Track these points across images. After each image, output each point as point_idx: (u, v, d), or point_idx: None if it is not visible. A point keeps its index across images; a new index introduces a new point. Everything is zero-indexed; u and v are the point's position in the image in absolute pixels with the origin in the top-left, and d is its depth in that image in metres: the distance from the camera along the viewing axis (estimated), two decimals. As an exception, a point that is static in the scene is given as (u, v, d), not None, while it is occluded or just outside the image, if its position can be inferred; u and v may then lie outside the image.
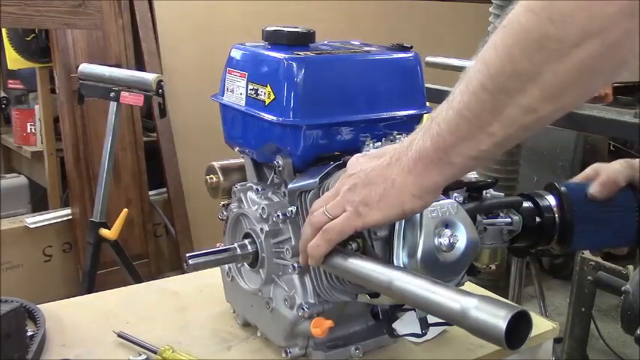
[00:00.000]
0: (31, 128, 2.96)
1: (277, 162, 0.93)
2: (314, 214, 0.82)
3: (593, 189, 0.91)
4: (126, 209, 2.21)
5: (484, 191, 0.90)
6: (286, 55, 0.91)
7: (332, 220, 0.79)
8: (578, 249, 1.00)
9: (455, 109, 0.68)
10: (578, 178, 0.96)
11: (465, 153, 0.69)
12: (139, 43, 2.80)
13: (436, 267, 0.77)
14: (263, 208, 0.94)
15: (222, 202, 1.06)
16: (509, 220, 0.91)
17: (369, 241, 0.82)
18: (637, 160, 0.94)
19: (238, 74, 0.98)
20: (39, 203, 3.04)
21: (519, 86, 0.62)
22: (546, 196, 0.93)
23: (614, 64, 0.60)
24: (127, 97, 2.10)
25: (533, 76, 0.61)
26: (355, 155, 0.84)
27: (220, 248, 0.97)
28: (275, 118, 0.91)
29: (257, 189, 0.97)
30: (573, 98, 0.64)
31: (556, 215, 0.91)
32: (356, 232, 0.81)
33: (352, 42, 1.07)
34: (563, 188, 0.92)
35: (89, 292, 2.10)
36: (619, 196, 0.92)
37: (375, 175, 0.76)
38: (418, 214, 0.77)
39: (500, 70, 0.63)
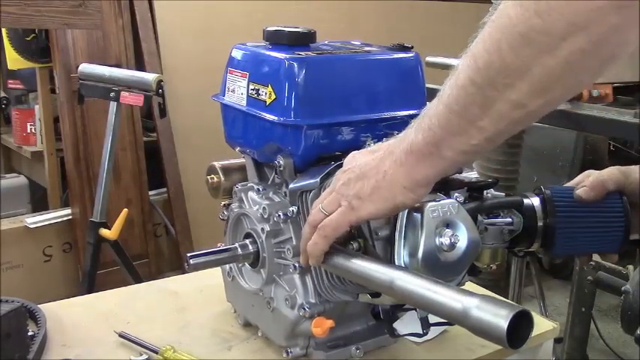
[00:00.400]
0: (31, 128, 2.96)
1: (278, 162, 0.93)
2: (312, 213, 0.82)
3: (580, 190, 0.90)
4: (126, 209, 2.21)
5: (485, 191, 0.90)
6: (287, 55, 0.91)
7: (328, 216, 0.79)
8: (561, 254, 0.98)
9: (444, 103, 0.68)
10: (569, 184, 0.95)
11: (457, 147, 0.69)
12: (139, 43, 2.80)
13: (437, 267, 0.77)
14: (264, 208, 0.94)
15: (223, 202, 1.06)
16: (509, 220, 0.91)
17: (370, 241, 0.82)
18: (630, 167, 0.93)
19: (239, 74, 0.99)
20: (39, 203, 3.03)
21: (508, 81, 0.62)
22: (531, 198, 0.92)
23: (602, 59, 0.60)
24: (127, 97, 2.10)
25: (522, 70, 0.61)
26: (352, 152, 0.84)
27: (221, 248, 0.97)
28: (276, 118, 0.91)
29: (258, 189, 0.97)
30: (562, 92, 0.64)
31: (537, 216, 0.91)
32: (355, 229, 0.82)
33: (353, 42, 1.07)
34: (547, 191, 0.92)
35: (89, 292, 2.10)
36: (606, 201, 0.90)
37: (369, 168, 0.77)
38: (419, 214, 0.77)
39: (488, 64, 0.63)
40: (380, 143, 0.84)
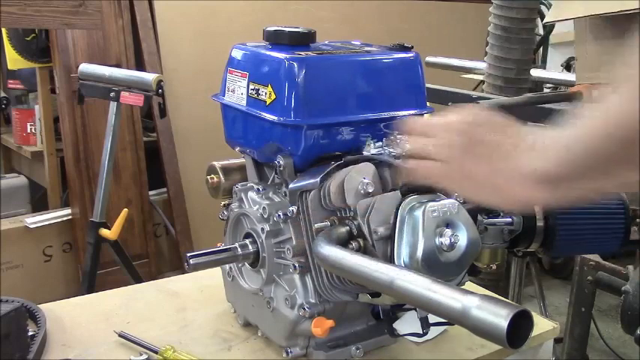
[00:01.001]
0: (31, 128, 2.96)
1: (278, 162, 0.93)
2: (418, 140, 0.77)
3: None
4: (126, 209, 2.21)
5: (485, 191, 0.90)
6: (287, 55, 0.91)
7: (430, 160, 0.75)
8: (561, 254, 0.98)
9: (578, 149, 0.65)
10: None
11: (589, 187, 0.67)
12: (139, 43, 2.80)
13: (437, 266, 0.77)
14: (264, 207, 0.94)
15: (223, 202, 1.06)
16: (509, 220, 0.91)
17: (370, 241, 0.82)
18: None
19: (239, 74, 0.99)
20: (39, 203, 3.04)
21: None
22: None
23: None
24: (127, 97, 2.10)
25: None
26: (476, 109, 0.75)
27: (221, 248, 0.97)
28: (276, 118, 0.91)
29: (258, 189, 0.97)
30: None
31: (537, 217, 0.91)
32: (355, 229, 0.81)
33: (353, 42, 1.07)
34: None
35: (89, 292, 2.10)
36: (606, 201, 0.91)
37: (496, 155, 0.71)
38: (419, 214, 0.77)
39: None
40: (514, 126, 0.74)
